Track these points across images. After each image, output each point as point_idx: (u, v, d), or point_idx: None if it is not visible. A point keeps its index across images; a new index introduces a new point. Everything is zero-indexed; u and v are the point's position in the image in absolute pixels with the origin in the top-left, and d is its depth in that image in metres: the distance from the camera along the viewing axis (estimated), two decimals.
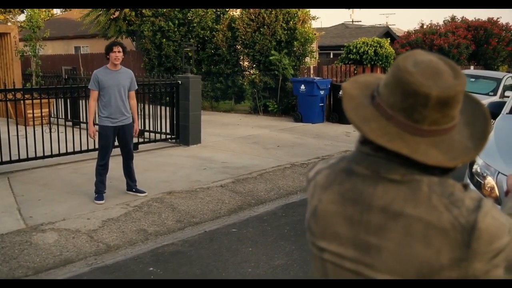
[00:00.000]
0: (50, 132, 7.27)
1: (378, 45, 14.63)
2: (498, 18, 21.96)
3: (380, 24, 30.06)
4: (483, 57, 20.70)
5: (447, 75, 1.06)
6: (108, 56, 5.58)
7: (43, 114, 7.50)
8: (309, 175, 1.28)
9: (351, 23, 32.68)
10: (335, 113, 12.60)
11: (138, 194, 5.87)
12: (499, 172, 3.66)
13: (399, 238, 1.05)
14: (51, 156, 7.23)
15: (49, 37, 13.70)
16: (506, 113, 4.73)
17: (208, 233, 4.91)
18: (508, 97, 5.34)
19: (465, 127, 1.12)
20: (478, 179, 3.84)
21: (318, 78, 12.70)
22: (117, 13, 16.92)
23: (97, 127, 5.67)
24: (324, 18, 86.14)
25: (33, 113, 7.38)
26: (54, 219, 5.00)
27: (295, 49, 13.53)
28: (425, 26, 22.06)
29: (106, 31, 17.39)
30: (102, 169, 5.62)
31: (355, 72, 14.44)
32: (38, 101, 7.52)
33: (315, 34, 14.14)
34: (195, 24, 14.47)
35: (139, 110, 6.75)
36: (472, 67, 18.41)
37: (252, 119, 12.97)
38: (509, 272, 1.08)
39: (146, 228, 4.98)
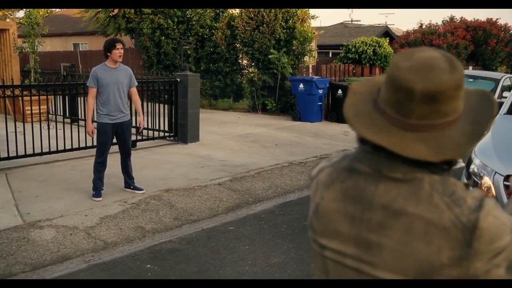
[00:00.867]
0: (48, 129, 7.26)
1: (377, 45, 14.65)
2: (497, 18, 21.96)
3: (379, 24, 30.08)
4: (481, 57, 20.72)
5: (440, 70, 1.05)
6: (108, 53, 5.56)
7: (41, 110, 7.51)
8: (312, 172, 1.29)
9: (350, 22, 32.69)
10: (334, 112, 12.61)
11: (136, 191, 5.88)
12: (496, 172, 3.68)
13: (400, 236, 1.06)
14: (49, 153, 7.23)
15: (48, 33, 13.66)
16: (504, 114, 4.74)
17: (205, 231, 4.92)
18: (506, 97, 5.36)
19: (469, 125, 1.11)
20: (475, 179, 3.86)
21: (317, 77, 12.71)
22: (116, 11, 16.92)
23: (95, 124, 5.68)
24: (323, 17, 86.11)
25: (31, 110, 7.37)
26: (51, 216, 5.01)
27: (294, 48, 13.54)
28: (424, 26, 22.08)
29: (105, 28, 17.39)
30: (100, 166, 5.62)
31: (353, 71, 14.46)
32: (37, 97, 7.52)
33: (314, 33, 14.15)
34: (194, 22, 14.47)
35: None
36: (470, 67, 18.43)
37: (250, 118, 12.97)
38: (510, 271, 1.07)
39: (144, 225, 4.99)
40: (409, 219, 1.05)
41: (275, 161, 7.79)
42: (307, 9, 13.79)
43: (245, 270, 4.04)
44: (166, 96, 9.47)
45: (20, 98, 7.13)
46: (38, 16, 11.98)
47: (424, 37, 20.24)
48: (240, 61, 14.64)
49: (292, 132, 10.85)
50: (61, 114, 10.11)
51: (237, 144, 9.20)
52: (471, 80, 12.02)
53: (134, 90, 5.85)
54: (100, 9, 17.02)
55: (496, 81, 11.77)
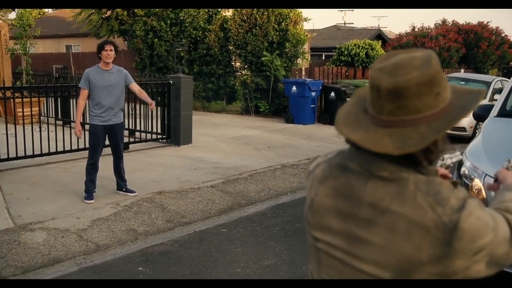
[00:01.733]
0: (40, 131, 7.23)
1: (370, 47, 14.71)
2: (488, 22, 22.11)
3: (372, 27, 30.20)
4: (473, 60, 20.85)
5: (409, 68, 1.09)
6: (100, 55, 5.56)
7: (33, 112, 7.47)
8: (309, 168, 1.35)
9: (343, 25, 32.79)
10: (326, 114, 12.64)
11: (128, 193, 5.86)
12: (486, 174, 3.70)
13: (384, 233, 1.10)
14: (41, 155, 7.19)
15: (40, 35, 13.60)
16: (494, 116, 4.78)
17: (197, 233, 4.92)
18: (497, 100, 5.41)
19: (444, 121, 1.12)
20: (466, 181, 3.88)
21: (310, 79, 12.74)
22: (109, 12, 16.86)
23: (85, 125, 5.65)
24: (316, 20, 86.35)
25: (23, 112, 7.32)
26: (43, 218, 4.98)
27: (287, 50, 13.57)
28: (416, 29, 22.19)
29: (98, 30, 17.32)
30: (91, 168, 5.60)
31: (346, 74, 14.50)
32: (28, 99, 7.48)
33: (307, 35, 14.19)
34: (187, 24, 14.46)
35: (130, 110, 6.74)
36: (462, 70, 18.54)
37: (243, 120, 12.98)
38: (490, 266, 1.10)
39: (136, 228, 4.97)
40: (394, 218, 1.09)
41: (267, 164, 7.80)
42: (299, 11, 13.84)
43: (237, 273, 4.04)
44: (159, 98, 9.45)
45: (11, 100, 7.09)
46: (30, 18, 11.92)
47: (417, 40, 20.34)
48: (233, 63, 14.64)
49: (285, 134, 10.86)
50: (53, 116, 10.07)
51: (230, 146, 9.19)
52: (463, 83, 12.10)
53: (134, 86, 5.88)
54: (93, 11, 16.96)
55: (488, 84, 11.85)
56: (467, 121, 9.97)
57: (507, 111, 4.80)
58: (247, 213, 5.61)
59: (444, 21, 22.76)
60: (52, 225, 4.85)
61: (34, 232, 4.65)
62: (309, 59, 16.46)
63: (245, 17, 13.36)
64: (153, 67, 14.89)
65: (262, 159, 8.17)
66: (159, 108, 9.24)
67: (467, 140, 9.84)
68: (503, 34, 22.06)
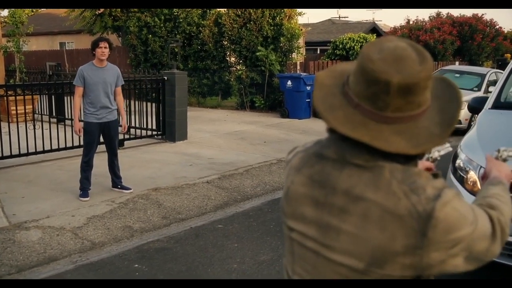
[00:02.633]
0: (34, 128, 7.19)
1: (365, 41, 14.68)
2: (482, 14, 22.19)
3: (366, 20, 30.18)
4: (468, 53, 20.89)
5: (411, 62, 1.05)
6: (94, 52, 5.52)
7: (27, 110, 7.43)
8: (288, 157, 1.32)
9: (337, 19, 32.77)
10: None
11: (124, 190, 5.84)
12: (481, 167, 3.70)
13: (357, 221, 1.07)
14: (35, 153, 7.16)
15: (33, 32, 13.54)
16: (489, 108, 4.78)
17: (193, 229, 4.91)
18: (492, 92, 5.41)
19: (437, 114, 1.12)
20: (461, 174, 3.88)
21: (305, 74, 12.73)
22: (102, 9, 16.76)
23: (82, 123, 5.63)
24: (311, 14, 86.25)
25: (16, 110, 7.27)
26: (38, 217, 4.96)
27: (281, 45, 13.54)
28: (411, 22, 22.21)
29: (92, 27, 17.24)
30: (86, 165, 5.57)
31: None
32: (22, 97, 7.43)
33: (301, 30, 14.15)
34: (181, 20, 14.40)
35: (125, 106, 6.71)
36: (457, 62, 18.56)
37: (238, 115, 12.96)
38: (469, 261, 1.08)
39: (132, 224, 4.96)
40: (367, 205, 1.06)
41: (263, 159, 7.79)
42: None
43: (233, 268, 4.04)
44: (153, 94, 9.43)
45: (5, 98, 7.04)
46: (22, 15, 11.84)
47: (411, 33, 20.36)
48: (227, 58, 14.60)
49: (281, 129, 10.85)
50: (47, 113, 10.03)
51: (225, 142, 9.18)
52: (458, 75, 12.11)
53: (118, 90, 5.79)
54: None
55: (482, 76, 11.87)
56: (462, 113, 9.98)
57: (501, 103, 4.80)
58: (243, 208, 5.60)
59: (438, 14, 22.78)
60: (47, 223, 4.83)
61: (29, 231, 4.63)
62: (304, 54, 16.42)
63: (239, 12, 13.32)
64: (148, 63, 14.83)
65: (258, 154, 8.16)
66: (153, 104, 9.21)
67: (462, 132, 9.86)
68: (497, 26, 22.12)
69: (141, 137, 8.86)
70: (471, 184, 3.74)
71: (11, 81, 11.56)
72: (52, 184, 6.11)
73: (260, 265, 4.09)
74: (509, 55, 21.69)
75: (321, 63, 14.09)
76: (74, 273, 3.93)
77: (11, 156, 6.86)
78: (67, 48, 21.14)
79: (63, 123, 9.01)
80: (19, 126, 6.97)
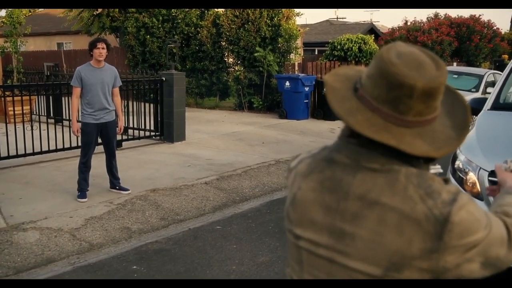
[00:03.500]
0: (32, 129, 7.17)
1: (363, 42, 14.68)
2: (480, 15, 22.21)
3: (364, 21, 30.20)
4: (465, 53, 20.92)
5: (430, 67, 1.07)
6: (91, 53, 5.50)
7: (24, 111, 7.40)
8: (291, 164, 1.29)
9: (335, 19, 32.79)
10: (320, 109, 12.63)
11: (122, 191, 5.82)
12: (480, 168, 3.69)
13: (373, 226, 1.06)
14: (33, 154, 7.13)
15: (31, 33, 13.50)
16: (488, 109, 4.77)
17: (192, 231, 4.89)
18: (490, 93, 5.39)
19: (447, 117, 1.14)
20: (460, 175, 3.88)
21: (303, 74, 12.72)
22: (100, 9, 16.73)
23: (80, 124, 5.61)
24: (309, 15, 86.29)
25: (14, 111, 7.24)
26: (35, 218, 4.94)
27: (279, 45, 13.53)
28: (409, 23, 22.22)
29: (89, 27, 17.20)
30: (83, 166, 5.55)
31: None
32: (20, 98, 7.40)
33: (299, 30, 14.15)
34: (179, 21, 14.38)
35: (123, 107, 6.69)
36: (455, 63, 18.58)
37: (237, 116, 12.94)
38: (485, 267, 1.08)
39: (130, 226, 4.94)
40: (383, 210, 1.06)
41: (262, 159, 7.78)
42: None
43: (232, 270, 4.02)
44: (151, 95, 9.41)
45: (2, 98, 7.02)
46: (20, 15, 11.81)
47: (409, 34, 20.38)
48: (226, 59, 14.59)
49: (279, 130, 10.84)
50: (45, 114, 10.00)
51: (223, 143, 9.17)
52: (456, 76, 12.12)
53: (116, 91, 5.77)
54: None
55: (480, 77, 11.88)
56: None
57: (500, 104, 4.80)
58: (241, 209, 5.58)
59: (436, 15, 22.81)
60: (45, 224, 4.81)
61: (26, 232, 4.61)
62: (302, 54, 16.42)
63: (237, 13, 13.31)
64: (146, 64, 14.80)
65: (256, 155, 8.15)
66: (151, 105, 9.19)
67: None
68: (495, 27, 22.15)
69: (139, 138, 8.84)
70: (470, 185, 3.73)
71: (8, 82, 11.53)
72: (50, 185, 6.09)
73: (259, 266, 4.08)
74: (506, 56, 21.73)
75: (319, 63, 14.08)
76: (72, 274, 3.91)
77: (9, 157, 6.83)
78: (64, 49, 21.10)
79: (60, 123, 8.96)
80: (16, 126, 6.94)
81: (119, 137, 7.17)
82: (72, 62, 16.20)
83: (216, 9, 14.72)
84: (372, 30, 24.22)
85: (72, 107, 5.62)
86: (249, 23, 13.16)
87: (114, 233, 4.75)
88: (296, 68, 13.72)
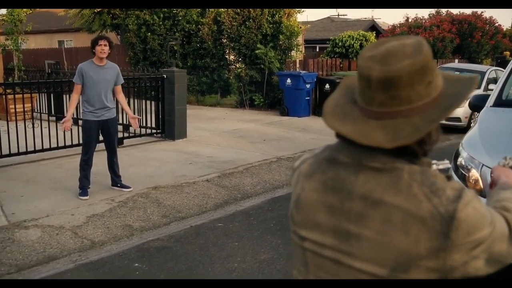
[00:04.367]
0: (33, 127, 7.16)
1: (364, 39, 14.68)
2: (482, 12, 22.13)
3: (365, 18, 30.14)
4: (467, 50, 20.86)
5: (401, 57, 1.04)
6: (94, 50, 5.49)
7: (26, 109, 7.40)
8: (295, 164, 1.29)
9: (337, 16, 32.73)
10: (321, 106, 12.54)
11: (123, 189, 5.82)
12: (483, 165, 3.68)
13: (378, 226, 1.05)
14: (34, 151, 7.12)
15: (32, 31, 13.49)
16: (490, 106, 4.75)
17: (194, 228, 4.89)
18: (492, 90, 5.37)
19: (437, 111, 1.08)
20: (463, 172, 3.86)
21: (304, 71, 12.70)
22: None
23: (72, 122, 5.61)
24: (310, 12, 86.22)
25: (15, 108, 7.23)
26: (37, 216, 4.94)
27: (280, 42, 13.51)
28: (410, 20, 22.18)
29: (90, 25, 17.18)
30: (85, 164, 5.55)
31: (341, 65, 14.47)
32: (21, 95, 7.40)
33: (300, 27, 14.13)
34: (180, 18, 14.36)
35: None
36: (456, 60, 18.55)
37: (238, 113, 12.93)
38: (489, 264, 1.07)
39: (131, 223, 4.93)
40: (388, 209, 1.04)
41: (263, 157, 7.77)
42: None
43: (234, 267, 4.02)
44: (152, 92, 9.40)
45: (3, 96, 7.01)
46: (21, 13, 11.80)
47: (411, 30, 20.33)
48: (227, 56, 14.57)
49: (280, 127, 10.83)
50: (46, 112, 10.00)
51: (224, 140, 9.16)
52: (457, 73, 12.09)
53: (118, 88, 5.77)
54: None
55: (482, 74, 11.84)
56: (462, 111, 9.97)
57: (503, 101, 4.78)
58: (243, 207, 5.58)
59: (438, 12, 22.73)
60: (47, 222, 4.81)
61: (28, 230, 4.61)
62: (303, 51, 16.39)
63: (239, 10, 13.28)
64: (147, 61, 14.79)
65: (258, 152, 8.14)
66: (153, 102, 9.19)
67: (461, 130, 9.82)
68: (496, 24, 22.10)
69: (140, 135, 8.83)
70: (473, 182, 3.71)
71: (9, 80, 11.52)
72: (52, 183, 6.09)
73: (261, 264, 4.07)
74: (508, 52, 21.70)
75: (320, 61, 14.06)
76: (74, 272, 3.91)
77: (10, 154, 6.84)
78: (65, 46, 21.07)
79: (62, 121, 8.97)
80: (18, 124, 6.94)
81: (120, 135, 7.17)
82: (73, 60, 16.19)
83: None
84: (373, 27, 24.21)
85: (70, 103, 5.61)
86: (250, 20, 13.13)
87: (116, 230, 4.75)
88: (298, 65, 13.70)
